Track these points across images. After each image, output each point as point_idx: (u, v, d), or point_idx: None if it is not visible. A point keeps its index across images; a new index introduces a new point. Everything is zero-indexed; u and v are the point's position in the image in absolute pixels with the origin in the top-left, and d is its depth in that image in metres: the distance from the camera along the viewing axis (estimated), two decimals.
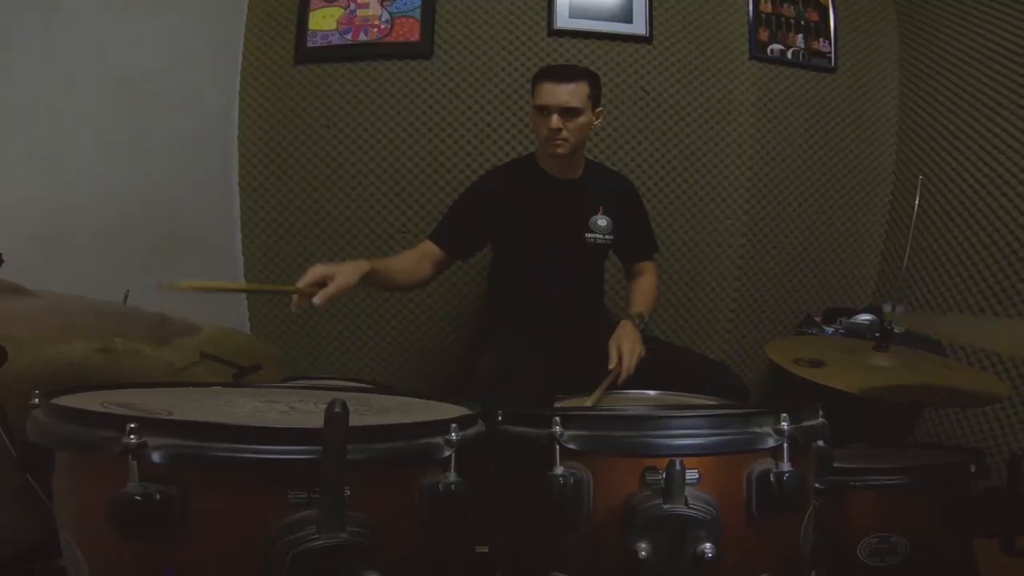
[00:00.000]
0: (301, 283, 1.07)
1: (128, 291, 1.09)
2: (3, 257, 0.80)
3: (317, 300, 1.05)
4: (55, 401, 0.50)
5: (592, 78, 1.41)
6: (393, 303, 2.06)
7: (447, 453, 0.52)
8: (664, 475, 0.49)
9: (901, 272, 2.17)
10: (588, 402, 1.22)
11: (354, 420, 0.47)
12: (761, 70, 2.03)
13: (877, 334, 1.99)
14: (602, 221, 1.52)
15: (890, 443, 1.16)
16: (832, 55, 2.02)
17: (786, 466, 0.51)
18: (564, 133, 1.36)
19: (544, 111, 1.37)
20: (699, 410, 0.59)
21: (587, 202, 1.51)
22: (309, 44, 1.83)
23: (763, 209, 2.18)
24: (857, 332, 2.03)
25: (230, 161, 1.89)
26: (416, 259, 1.42)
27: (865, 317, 2.06)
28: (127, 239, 1.46)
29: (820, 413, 0.66)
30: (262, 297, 2.08)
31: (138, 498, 0.42)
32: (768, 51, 1.99)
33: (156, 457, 0.43)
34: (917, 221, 1.94)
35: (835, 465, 0.75)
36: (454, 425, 0.53)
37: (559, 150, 1.39)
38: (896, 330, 1.84)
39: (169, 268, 1.64)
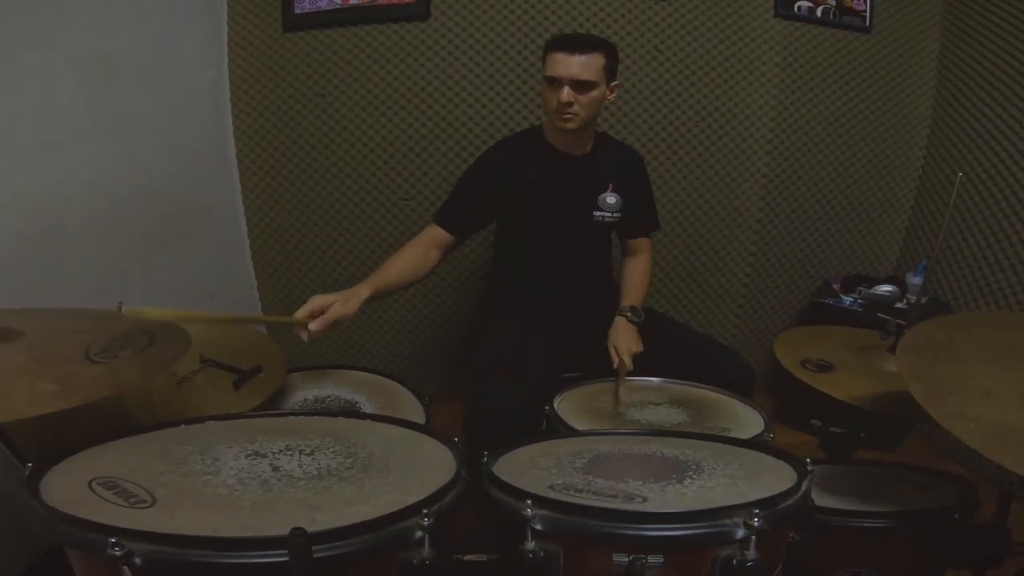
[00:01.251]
0: (299, 314, 1.10)
1: (121, 303, 1.11)
2: None
3: (313, 327, 1.09)
4: (44, 488, 0.53)
5: (608, 49, 1.32)
6: None
7: (419, 535, 0.55)
8: (627, 563, 0.51)
9: (930, 261, 2.11)
10: (620, 405, 1.26)
11: (328, 494, 0.50)
12: (787, 28, 1.88)
13: (897, 305, 1.99)
14: (611, 199, 1.48)
15: (880, 454, 1.17)
16: (867, 14, 1.86)
17: (751, 555, 0.53)
18: (575, 107, 1.29)
19: (555, 83, 1.30)
20: (672, 500, 0.60)
21: (596, 179, 1.46)
22: (297, 11, 1.74)
23: (783, 173, 2.11)
24: (876, 304, 2.01)
25: (225, 136, 1.86)
26: (421, 252, 1.39)
27: (886, 288, 2.02)
28: (124, 228, 1.47)
29: (808, 468, 0.67)
30: (274, 291, 2.11)
31: None
32: (795, 8, 1.84)
33: (139, 562, 0.47)
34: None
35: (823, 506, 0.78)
36: (425, 512, 0.55)
37: (568, 125, 1.32)
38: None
39: (172, 252, 1.66)
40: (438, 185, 1.99)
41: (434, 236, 1.41)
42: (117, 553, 0.46)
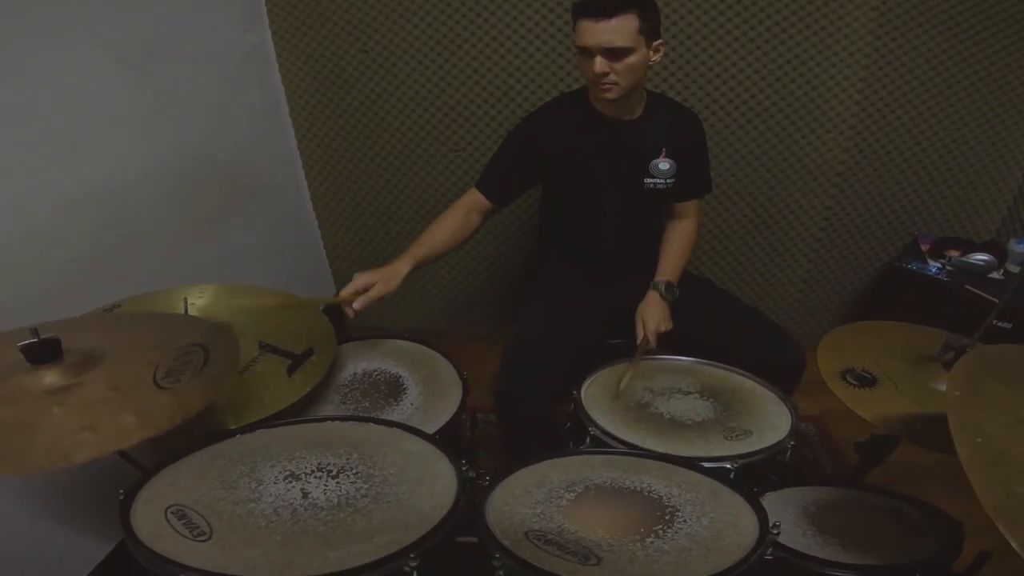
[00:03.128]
0: (345, 292, 1.23)
1: (186, 297, 1.31)
2: None
3: (357, 305, 1.24)
4: (133, 517, 0.73)
5: (641, 7, 1.21)
6: None
7: (409, 567, 0.71)
8: None
9: None
10: (622, 384, 1.30)
11: (342, 530, 0.66)
12: None
13: (992, 275, 1.85)
14: (664, 165, 1.44)
15: (920, 453, 1.16)
16: None
17: None
18: (612, 76, 1.24)
19: (586, 53, 1.23)
20: (622, 566, 0.68)
21: (648, 144, 1.43)
22: None
23: (874, 124, 1.93)
24: (967, 273, 1.87)
25: (277, 96, 1.95)
26: (462, 217, 1.44)
27: (981, 257, 1.88)
28: (187, 203, 1.63)
29: (773, 534, 0.75)
30: (337, 240, 2.28)
31: None
32: None
33: None
34: None
35: (789, 547, 0.86)
36: (412, 555, 0.70)
37: (608, 95, 1.28)
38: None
39: (238, 216, 1.83)
40: (488, 136, 2.01)
41: (475, 201, 1.45)
42: None
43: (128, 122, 1.43)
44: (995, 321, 1.75)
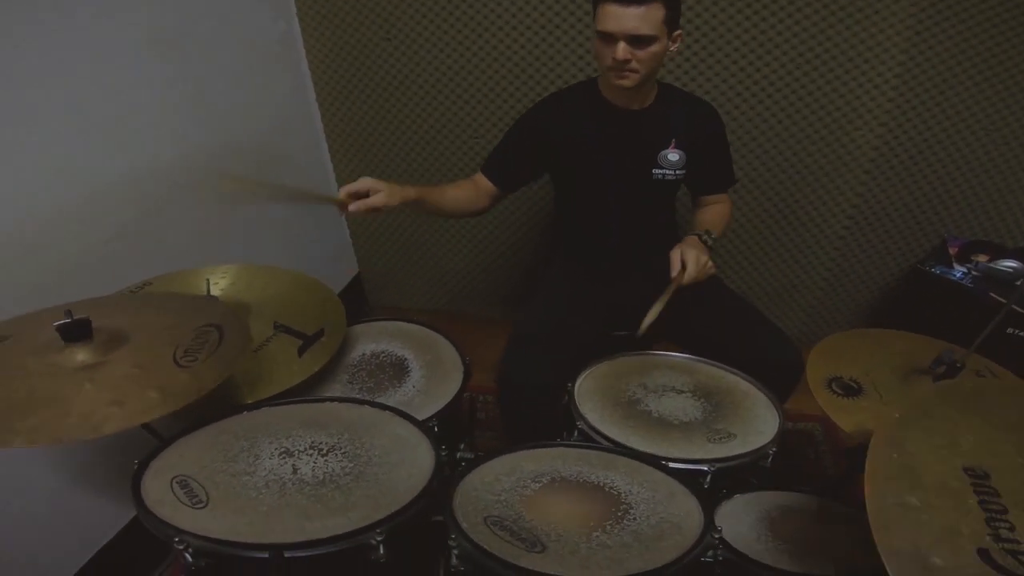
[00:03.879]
0: (345, 191, 1.21)
1: (208, 278, 1.43)
2: None
3: (353, 207, 1.20)
4: (143, 486, 0.86)
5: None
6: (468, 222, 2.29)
7: (375, 543, 0.80)
8: None
9: None
10: (645, 323, 1.28)
11: (322, 504, 0.77)
12: None
13: (1020, 283, 1.80)
14: (673, 156, 1.46)
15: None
16: None
17: None
18: (633, 64, 1.24)
19: (608, 38, 1.23)
20: (563, 557, 0.75)
21: (657, 135, 1.45)
22: None
23: (908, 120, 1.90)
24: (992, 280, 1.83)
25: (304, 82, 2.04)
26: (473, 194, 1.50)
27: (1009, 263, 1.84)
28: (215, 188, 1.76)
29: (714, 538, 0.81)
30: (364, 240, 2.38)
31: (192, 568, 0.78)
32: None
33: (191, 551, 0.77)
34: None
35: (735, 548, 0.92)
36: (379, 531, 0.80)
37: (625, 83, 1.29)
38: None
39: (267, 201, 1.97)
40: (507, 123, 2.05)
41: (482, 184, 1.51)
42: (179, 545, 0.76)
43: (163, 108, 1.54)
44: (1013, 330, 1.73)
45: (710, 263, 1.38)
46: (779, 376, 1.40)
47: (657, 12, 1.20)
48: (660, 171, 1.47)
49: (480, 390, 2.02)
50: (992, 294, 1.80)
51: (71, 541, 1.40)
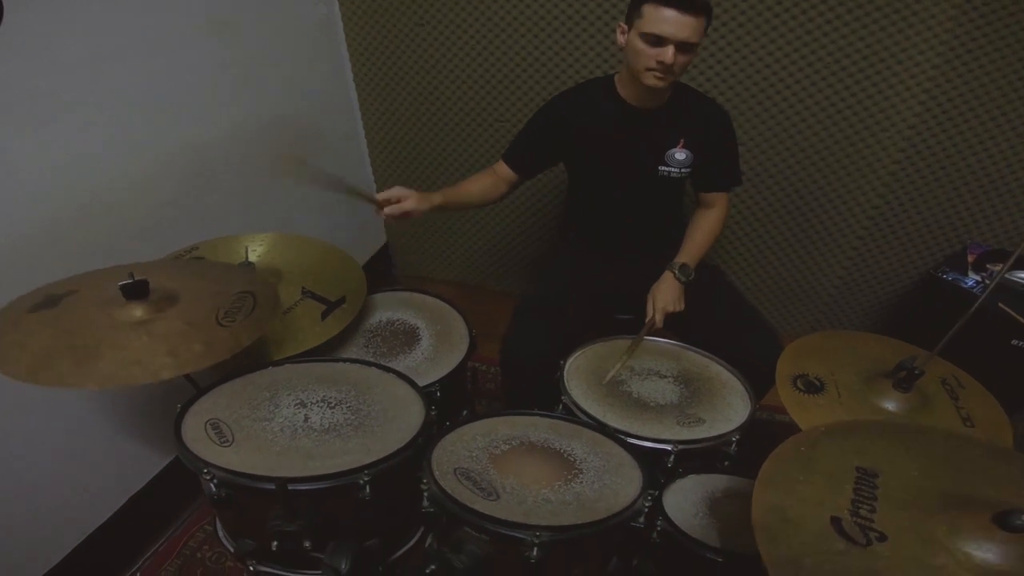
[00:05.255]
0: (381, 196, 1.42)
1: (247, 246, 1.65)
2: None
3: (386, 211, 1.41)
4: (183, 426, 1.08)
5: (709, 12, 1.32)
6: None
7: (363, 483, 1.01)
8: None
9: None
10: (613, 369, 1.45)
11: (324, 447, 1.00)
12: None
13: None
14: (680, 155, 1.58)
15: None
16: None
17: (535, 555, 0.88)
18: (675, 68, 1.33)
19: (658, 41, 1.29)
20: (509, 506, 0.93)
21: (666, 134, 1.56)
22: None
23: (936, 125, 1.91)
24: (1007, 289, 1.86)
25: (342, 63, 2.21)
26: (492, 183, 1.66)
27: (1022, 274, 1.86)
28: (263, 158, 1.94)
29: (641, 505, 0.98)
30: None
31: (214, 497, 1.01)
32: None
33: (216, 481, 0.99)
34: None
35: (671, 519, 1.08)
36: (367, 472, 1.00)
37: (661, 84, 1.38)
38: None
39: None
40: (531, 111, 2.17)
41: (502, 171, 1.66)
42: (207, 476, 0.98)
43: (217, 85, 1.75)
44: (1017, 342, 1.78)
45: (680, 305, 1.58)
46: (760, 372, 1.51)
47: (702, 23, 1.30)
48: (666, 169, 1.58)
49: (492, 361, 2.21)
50: (1001, 304, 1.82)
51: (112, 481, 1.66)
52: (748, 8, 1.85)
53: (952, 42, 1.75)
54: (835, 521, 0.78)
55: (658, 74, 1.34)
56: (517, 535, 0.89)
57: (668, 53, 1.28)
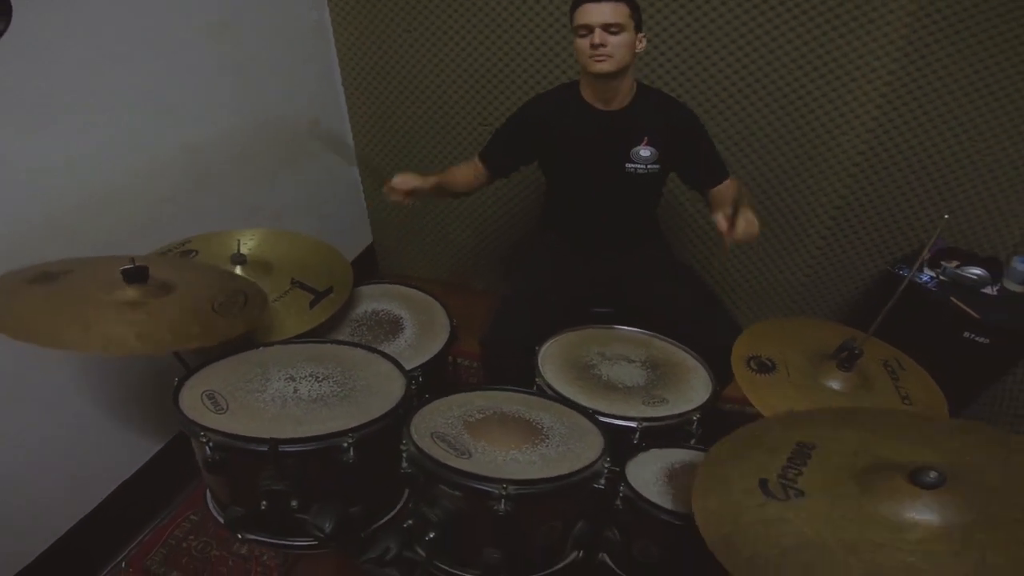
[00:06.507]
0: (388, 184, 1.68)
1: (239, 239, 1.77)
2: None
3: (393, 182, 1.68)
4: (181, 396, 1.19)
5: (629, 2, 1.53)
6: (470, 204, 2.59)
7: (346, 446, 1.12)
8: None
9: None
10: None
11: (312, 415, 1.11)
12: None
13: (985, 291, 1.98)
14: (645, 151, 1.72)
15: None
16: None
17: (503, 508, 0.99)
18: (608, 48, 1.52)
19: (585, 30, 1.52)
20: (481, 463, 1.06)
21: (631, 132, 1.70)
22: None
23: (895, 128, 2.04)
24: (960, 285, 2.01)
25: (332, 66, 2.36)
26: (472, 175, 1.84)
27: (975, 270, 2.01)
28: (257, 157, 2.08)
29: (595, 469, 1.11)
30: (377, 195, 2.71)
31: (208, 461, 1.12)
32: None
33: (212, 444, 1.10)
34: None
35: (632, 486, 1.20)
36: (350, 435, 1.12)
37: (603, 66, 1.54)
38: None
39: (294, 170, 2.28)
40: (511, 111, 2.32)
41: (478, 168, 1.83)
42: (203, 439, 1.09)
43: (214, 88, 1.88)
44: (972, 335, 1.93)
45: (755, 225, 1.50)
46: (722, 357, 1.64)
47: (621, 7, 1.51)
48: (632, 165, 1.73)
49: (473, 356, 2.33)
50: (953, 299, 1.97)
51: (100, 470, 1.76)
52: (717, 17, 2.00)
53: (906, 47, 1.90)
54: (762, 482, 0.91)
55: (596, 56, 1.52)
56: (485, 488, 1.01)
57: (596, 33, 1.50)
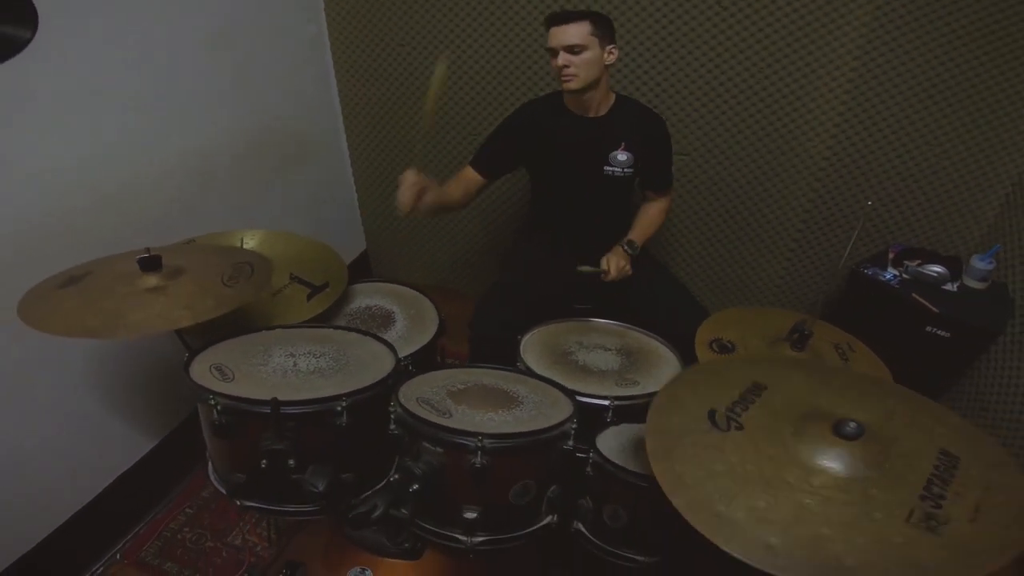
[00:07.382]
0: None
1: (243, 237, 1.93)
2: None
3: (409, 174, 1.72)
4: (192, 369, 1.33)
5: (594, 17, 1.71)
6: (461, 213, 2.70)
7: (340, 410, 1.27)
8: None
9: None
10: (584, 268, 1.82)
11: (308, 383, 1.26)
12: None
13: (945, 288, 2.13)
14: (622, 156, 1.91)
15: None
16: None
17: (480, 461, 1.16)
18: (572, 68, 1.72)
19: (553, 52, 1.72)
20: (461, 419, 1.23)
21: (609, 138, 1.89)
22: None
23: (857, 134, 2.21)
24: (921, 282, 2.17)
25: (328, 76, 2.54)
26: (463, 188, 1.97)
27: (935, 268, 2.17)
28: (255, 162, 2.25)
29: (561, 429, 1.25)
30: (370, 199, 2.91)
31: (215, 423, 1.27)
32: None
33: (219, 407, 1.24)
34: None
35: (600, 451, 1.34)
36: (344, 400, 1.27)
37: (571, 84, 1.75)
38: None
39: (291, 175, 2.45)
40: (498, 120, 2.51)
41: (468, 176, 1.98)
42: (212, 401, 1.24)
43: (214, 96, 2.04)
44: (934, 329, 2.08)
45: (627, 268, 1.86)
46: (691, 342, 1.80)
47: (584, 27, 1.68)
48: (611, 169, 1.91)
49: (461, 356, 2.46)
50: (914, 295, 2.13)
51: (97, 462, 1.88)
52: (689, 31, 2.18)
53: (863, 57, 2.07)
54: (711, 413, 1.06)
55: (563, 77, 1.71)
56: (463, 441, 1.16)
57: (559, 57, 1.69)
